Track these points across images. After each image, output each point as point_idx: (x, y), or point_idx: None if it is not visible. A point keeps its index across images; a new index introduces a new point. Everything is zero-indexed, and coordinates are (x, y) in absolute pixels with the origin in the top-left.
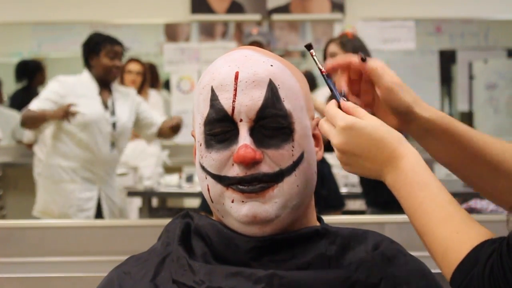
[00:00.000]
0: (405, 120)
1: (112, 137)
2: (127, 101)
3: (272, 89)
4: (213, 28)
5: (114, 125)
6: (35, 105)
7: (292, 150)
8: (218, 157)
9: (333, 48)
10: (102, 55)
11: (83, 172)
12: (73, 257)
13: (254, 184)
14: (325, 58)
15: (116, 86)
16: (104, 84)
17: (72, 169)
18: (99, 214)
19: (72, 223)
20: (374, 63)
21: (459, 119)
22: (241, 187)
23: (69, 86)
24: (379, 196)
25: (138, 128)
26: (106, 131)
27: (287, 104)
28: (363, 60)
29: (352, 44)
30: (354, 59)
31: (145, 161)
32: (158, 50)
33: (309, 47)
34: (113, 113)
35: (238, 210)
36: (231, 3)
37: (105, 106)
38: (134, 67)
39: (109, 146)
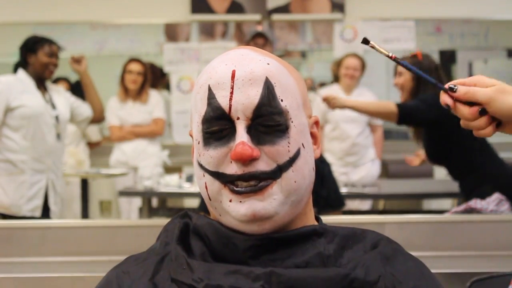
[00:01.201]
0: None
1: (57, 129)
2: (60, 96)
3: (268, 87)
4: (213, 28)
5: (57, 118)
6: None
7: (288, 146)
8: (215, 154)
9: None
10: (40, 53)
11: (32, 163)
12: (73, 257)
13: (251, 182)
14: (395, 74)
15: (49, 84)
16: (40, 81)
17: (21, 161)
18: (45, 203)
19: (72, 223)
20: (461, 89)
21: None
22: (237, 189)
23: (9, 84)
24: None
25: (73, 117)
26: (50, 123)
27: (284, 102)
28: (452, 90)
29: (420, 65)
30: (448, 100)
31: (145, 161)
32: (158, 50)
33: (366, 41)
34: (53, 107)
35: (237, 209)
36: (231, 3)
37: (45, 100)
38: (134, 67)
39: (55, 138)
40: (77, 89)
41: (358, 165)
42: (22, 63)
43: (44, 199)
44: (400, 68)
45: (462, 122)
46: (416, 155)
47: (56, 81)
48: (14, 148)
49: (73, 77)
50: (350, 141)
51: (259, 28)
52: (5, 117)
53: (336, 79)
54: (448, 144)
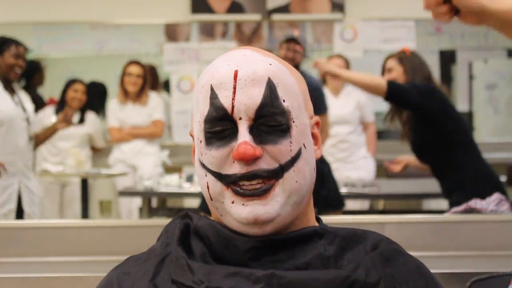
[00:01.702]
0: (484, 17)
1: (28, 131)
2: (27, 101)
3: (270, 87)
4: (213, 28)
5: (27, 120)
6: None
7: (290, 146)
8: (218, 154)
9: (391, 63)
10: (6, 54)
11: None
12: (73, 257)
13: (254, 182)
14: (383, 73)
15: (16, 87)
16: (7, 82)
17: None
18: (19, 205)
19: (72, 223)
20: None
21: None
22: (241, 190)
23: None
24: (465, 195)
25: None
26: (22, 126)
27: (286, 102)
28: None
29: (410, 60)
30: None
31: (143, 160)
32: (158, 50)
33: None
34: (24, 109)
35: (239, 212)
36: (231, 3)
37: (15, 103)
38: (134, 69)
39: (27, 140)
40: (92, 90)
41: (349, 162)
42: None
43: (18, 202)
44: (389, 64)
45: (424, 4)
46: (396, 162)
47: (72, 82)
48: None
49: (87, 78)
50: (339, 137)
51: (296, 33)
52: None
53: (324, 82)
54: (432, 137)
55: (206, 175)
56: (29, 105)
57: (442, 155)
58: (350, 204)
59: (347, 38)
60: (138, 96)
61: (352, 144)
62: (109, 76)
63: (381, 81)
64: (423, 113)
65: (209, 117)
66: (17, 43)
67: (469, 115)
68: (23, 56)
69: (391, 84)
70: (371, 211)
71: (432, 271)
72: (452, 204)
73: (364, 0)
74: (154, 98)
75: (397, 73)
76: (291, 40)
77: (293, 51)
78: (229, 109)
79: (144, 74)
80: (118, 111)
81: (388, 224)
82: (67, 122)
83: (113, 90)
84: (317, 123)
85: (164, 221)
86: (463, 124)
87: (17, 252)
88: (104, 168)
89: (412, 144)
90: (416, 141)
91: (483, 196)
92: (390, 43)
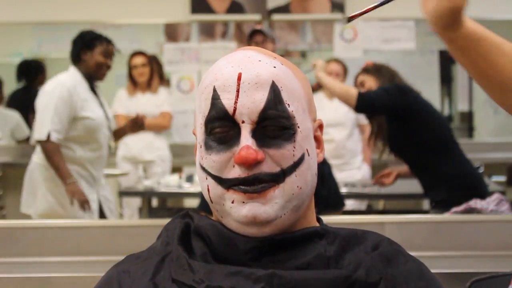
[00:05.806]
0: None
1: (109, 139)
2: (106, 105)
3: (274, 91)
4: (213, 28)
5: (109, 127)
6: (55, 129)
7: (294, 151)
8: (218, 159)
9: (360, 78)
10: (96, 51)
11: (85, 173)
12: (73, 257)
13: (255, 184)
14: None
15: (98, 89)
16: (91, 82)
17: (76, 171)
18: (101, 216)
19: (72, 223)
20: None
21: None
22: (243, 187)
23: (74, 90)
24: (443, 193)
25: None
26: (106, 134)
27: (290, 107)
28: None
29: (375, 67)
30: None
31: (152, 154)
32: (158, 50)
33: (349, 20)
34: (106, 116)
35: (238, 211)
36: (231, 3)
37: (103, 110)
38: (138, 60)
39: (108, 147)
40: None
41: (343, 170)
42: (75, 59)
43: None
44: (360, 79)
45: None
46: (386, 174)
47: None
48: (74, 158)
49: None
50: (335, 144)
51: (258, 26)
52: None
53: (320, 86)
54: (407, 136)
55: (206, 178)
56: (108, 109)
57: (417, 153)
58: (347, 204)
59: (347, 38)
60: (148, 85)
61: (347, 151)
62: (109, 76)
63: (353, 93)
64: (396, 113)
65: (210, 118)
66: (108, 41)
67: (469, 115)
68: (112, 55)
69: (360, 96)
70: (371, 211)
71: (432, 271)
72: (434, 202)
73: (364, 0)
74: (163, 92)
75: (370, 82)
76: (255, 33)
77: (260, 43)
78: (231, 111)
79: (149, 62)
80: (126, 100)
81: (388, 224)
82: (140, 127)
83: (113, 89)
84: (320, 126)
85: (164, 221)
86: (437, 122)
87: (17, 252)
88: (112, 167)
89: (388, 142)
90: (391, 141)
91: (463, 192)
92: (390, 43)
